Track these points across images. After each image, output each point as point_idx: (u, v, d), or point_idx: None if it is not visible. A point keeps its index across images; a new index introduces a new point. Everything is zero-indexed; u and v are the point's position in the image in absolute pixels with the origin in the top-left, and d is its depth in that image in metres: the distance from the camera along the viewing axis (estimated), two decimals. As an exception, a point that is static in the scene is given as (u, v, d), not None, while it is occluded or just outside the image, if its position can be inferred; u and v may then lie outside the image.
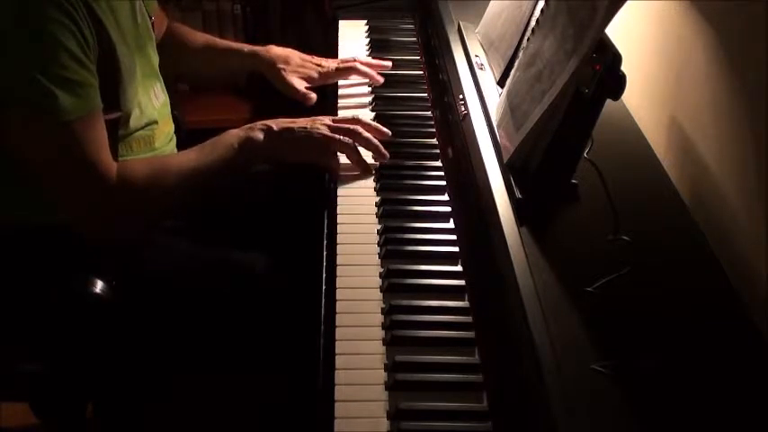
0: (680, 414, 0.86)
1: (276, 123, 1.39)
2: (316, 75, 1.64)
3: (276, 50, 1.66)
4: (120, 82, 1.32)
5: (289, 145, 1.38)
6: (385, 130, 1.42)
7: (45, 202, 1.31)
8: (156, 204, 1.35)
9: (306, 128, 1.38)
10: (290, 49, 1.67)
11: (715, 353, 0.93)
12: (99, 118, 1.27)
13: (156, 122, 1.43)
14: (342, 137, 1.37)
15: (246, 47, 1.69)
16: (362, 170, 1.38)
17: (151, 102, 1.43)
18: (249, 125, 1.40)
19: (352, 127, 1.39)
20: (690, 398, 0.88)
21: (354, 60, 1.65)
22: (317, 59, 1.68)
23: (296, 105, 1.60)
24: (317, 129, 1.38)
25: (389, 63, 1.68)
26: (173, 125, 1.52)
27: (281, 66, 1.62)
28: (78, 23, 1.20)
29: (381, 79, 1.64)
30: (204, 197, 1.47)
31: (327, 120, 1.41)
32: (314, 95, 1.62)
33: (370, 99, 1.61)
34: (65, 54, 1.19)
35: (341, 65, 1.65)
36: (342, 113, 1.55)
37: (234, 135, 1.38)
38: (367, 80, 1.66)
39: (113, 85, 1.31)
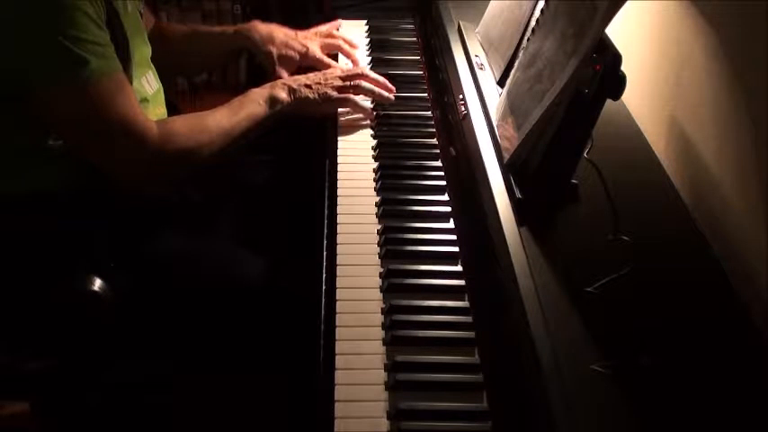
0: (680, 414, 0.86)
1: (295, 81, 1.53)
2: (297, 58, 1.67)
3: (260, 28, 1.68)
4: (127, 47, 1.35)
5: (309, 100, 1.51)
6: (385, 84, 1.55)
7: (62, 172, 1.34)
8: (196, 158, 1.40)
9: (321, 83, 1.53)
10: (273, 26, 1.70)
11: (715, 353, 0.94)
12: (125, 77, 1.31)
13: (146, 100, 1.44)
14: (353, 84, 1.53)
15: (231, 28, 1.72)
16: (366, 115, 1.54)
17: (143, 87, 1.44)
18: (270, 83, 1.52)
19: (358, 81, 1.53)
20: (689, 398, 0.88)
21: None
22: (301, 35, 1.70)
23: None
24: (332, 83, 1.53)
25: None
26: (165, 110, 1.53)
27: (269, 48, 1.66)
28: None
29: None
30: (204, 197, 1.47)
31: (338, 72, 1.56)
32: None
33: (370, 99, 1.60)
34: (85, 17, 1.22)
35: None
36: (341, 111, 1.56)
37: (259, 93, 1.49)
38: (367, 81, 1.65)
39: (121, 48, 1.33)
